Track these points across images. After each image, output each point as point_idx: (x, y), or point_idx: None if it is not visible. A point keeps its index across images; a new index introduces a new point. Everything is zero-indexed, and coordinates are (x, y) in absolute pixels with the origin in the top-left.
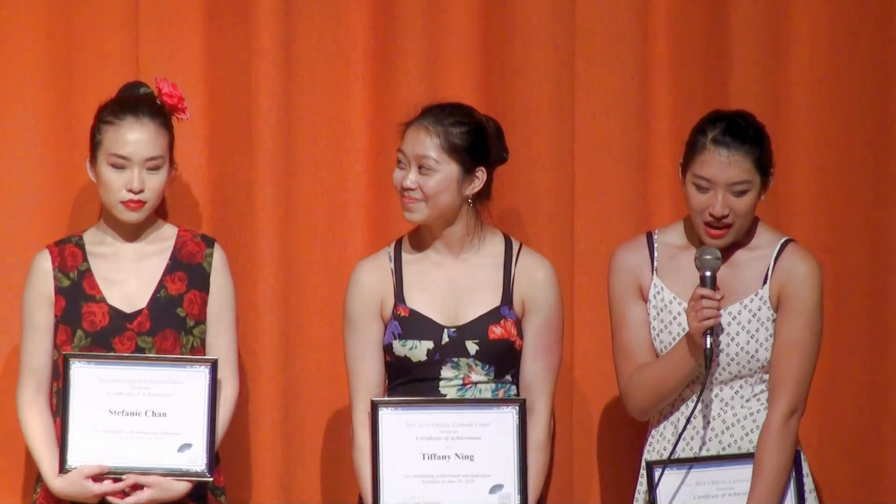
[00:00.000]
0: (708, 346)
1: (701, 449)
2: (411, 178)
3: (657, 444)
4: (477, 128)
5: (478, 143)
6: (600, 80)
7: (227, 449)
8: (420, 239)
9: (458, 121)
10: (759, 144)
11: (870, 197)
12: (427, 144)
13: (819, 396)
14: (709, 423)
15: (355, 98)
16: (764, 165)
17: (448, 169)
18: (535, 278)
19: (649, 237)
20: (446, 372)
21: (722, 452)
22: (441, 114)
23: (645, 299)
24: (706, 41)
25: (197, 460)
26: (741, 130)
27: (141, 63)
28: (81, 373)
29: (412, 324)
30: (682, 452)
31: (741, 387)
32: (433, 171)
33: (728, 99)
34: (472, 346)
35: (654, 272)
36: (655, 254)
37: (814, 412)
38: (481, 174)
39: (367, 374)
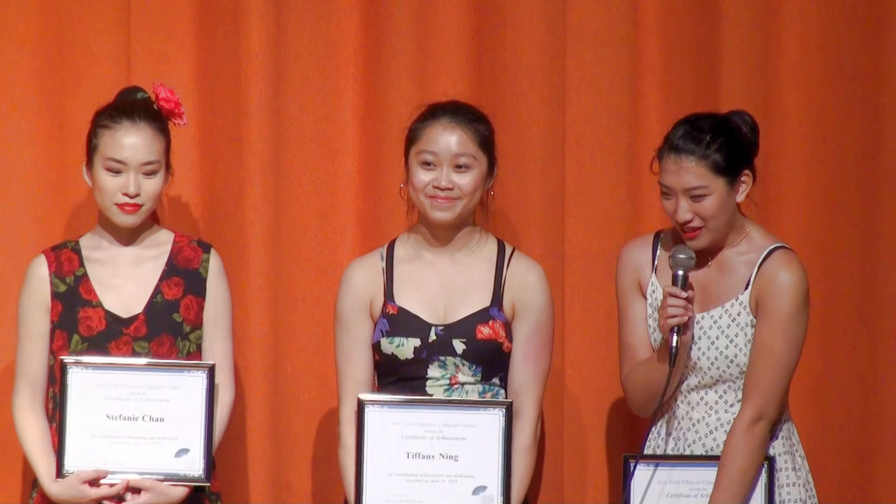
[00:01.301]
0: (674, 344)
1: (684, 452)
2: (451, 177)
3: (653, 443)
4: (489, 122)
5: (493, 137)
6: (591, 81)
7: (221, 452)
8: (417, 238)
9: (477, 115)
10: (718, 148)
11: (860, 196)
12: (464, 141)
13: (809, 397)
14: (693, 426)
15: (346, 99)
16: (726, 168)
17: (483, 165)
18: (526, 282)
19: (656, 236)
20: (433, 371)
21: None
22: (458, 111)
23: (645, 297)
24: (696, 41)
25: (194, 465)
26: (695, 135)
27: (132, 64)
28: (78, 378)
29: (400, 321)
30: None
31: (725, 391)
32: (470, 168)
33: (718, 99)
34: (459, 345)
35: (654, 271)
36: (658, 252)
37: (804, 413)
38: (496, 169)
39: (356, 372)
